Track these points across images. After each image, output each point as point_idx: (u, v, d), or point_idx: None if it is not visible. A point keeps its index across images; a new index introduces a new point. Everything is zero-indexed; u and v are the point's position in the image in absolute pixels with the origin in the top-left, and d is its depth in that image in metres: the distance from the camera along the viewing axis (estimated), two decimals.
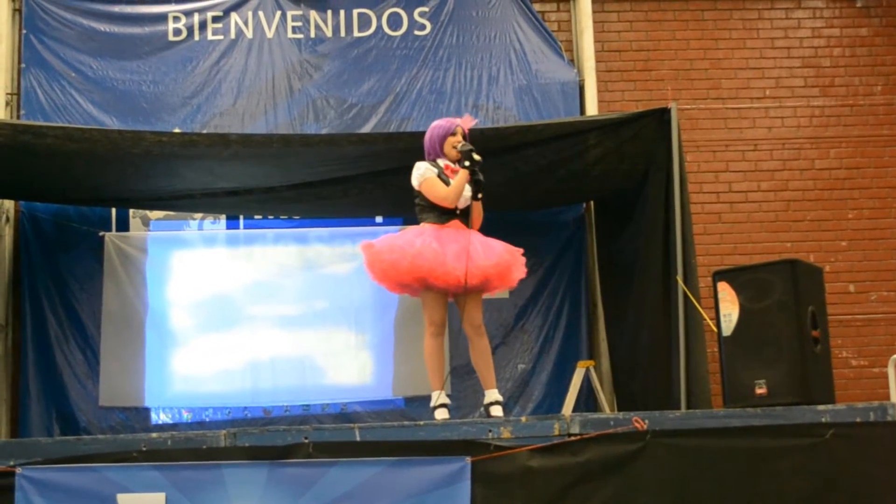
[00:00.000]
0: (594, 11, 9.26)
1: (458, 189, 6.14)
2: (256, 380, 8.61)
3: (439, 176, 6.22)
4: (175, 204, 8.66)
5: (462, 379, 8.36)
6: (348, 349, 8.75)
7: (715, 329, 6.56)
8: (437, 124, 6.38)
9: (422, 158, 6.34)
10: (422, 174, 6.24)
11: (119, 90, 8.78)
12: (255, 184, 8.29)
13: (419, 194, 6.27)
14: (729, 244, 9.14)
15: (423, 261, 5.98)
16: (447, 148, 6.27)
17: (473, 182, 6.13)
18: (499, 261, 6.11)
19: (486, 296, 6.49)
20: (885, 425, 5.48)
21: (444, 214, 6.20)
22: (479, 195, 6.17)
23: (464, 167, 6.11)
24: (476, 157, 6.09)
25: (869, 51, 9.57)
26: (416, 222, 6.24)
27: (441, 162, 6.29)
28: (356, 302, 8.77)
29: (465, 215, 6.23)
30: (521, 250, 6.35)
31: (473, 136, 6.47)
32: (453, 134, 6.27)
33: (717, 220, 9.20)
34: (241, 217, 8.96)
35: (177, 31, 8.94)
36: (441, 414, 6.08)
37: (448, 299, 6.22)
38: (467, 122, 6.40)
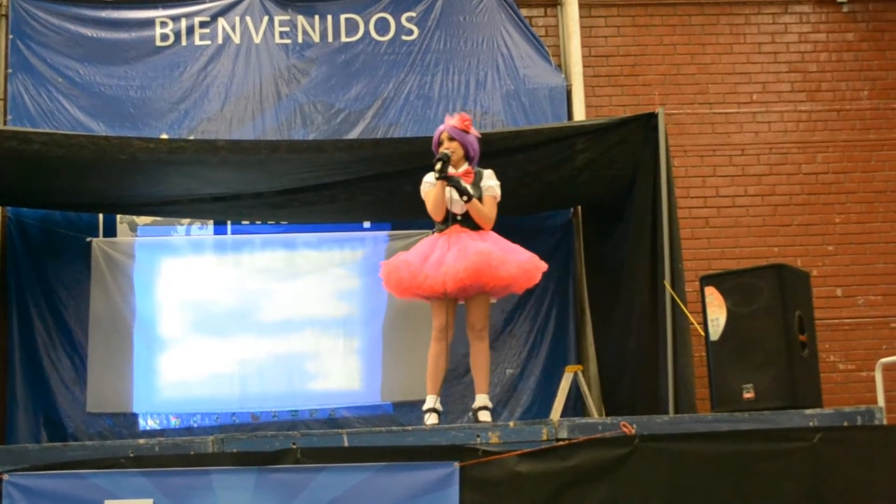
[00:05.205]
0: (581, 16, 9.26)
1: (433, 201, 6.16)
2: (245, 385, 8.59)
3: None
4: (162, 209, 8.65)
5: (450, 384, 8.31)
6: (337, 354, 8.75)
7: (702, 333, 6.57)
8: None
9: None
10: (422, 187, 6.31)
11: (106, 95, 8.76)
12: (242, 189, 8.29)
13: None
14: (716, 248, 9.15)
15: (402, 274, 6.13)
16: None
17: (453, 186, 6.09)
18: (468, 265, 5.96)
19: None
20: (872, 429, 5.50)
21: (444, 222, 6.22)
22: (465, 197, 6.07)
23: (437, 178, 6.11)
24: (438, 164, 6.03)
25: (855, 56, 9.59)
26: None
27: None
28: (344, 307, 8.78)
29: (468, 220, 6.21)
30: (517, 247, 6.25)
31: None
32: (440, 144, 6.27)
33: (705, 224, 9.21)
34: (229, 223, 8.94)
35: (164, 37, 8.92)
36: (430, 419, 6.09)
37: (454, 304, 6.20)
38: (448, 123, 6.32)
